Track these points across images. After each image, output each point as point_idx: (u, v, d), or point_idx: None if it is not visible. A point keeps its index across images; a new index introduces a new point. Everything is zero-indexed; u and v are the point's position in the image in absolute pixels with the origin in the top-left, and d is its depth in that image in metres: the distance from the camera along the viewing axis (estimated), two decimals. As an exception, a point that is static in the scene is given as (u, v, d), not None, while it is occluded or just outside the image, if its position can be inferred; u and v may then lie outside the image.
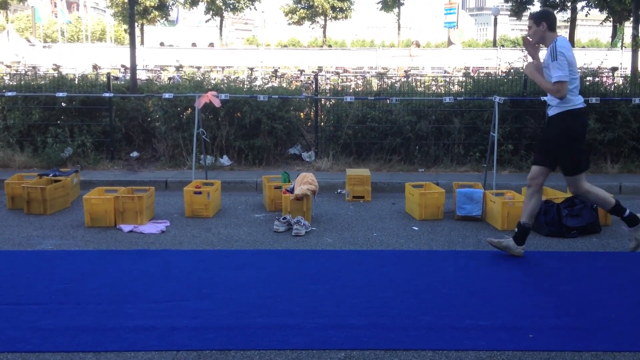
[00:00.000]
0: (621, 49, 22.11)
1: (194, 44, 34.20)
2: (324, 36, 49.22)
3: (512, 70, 10.79)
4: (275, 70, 19.43)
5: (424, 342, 4.03)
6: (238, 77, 14.10)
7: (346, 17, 47.02)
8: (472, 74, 13.73)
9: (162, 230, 6.79)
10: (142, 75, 16.84)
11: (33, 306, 4.55)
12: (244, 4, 43.89)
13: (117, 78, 15.12)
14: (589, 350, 3.95)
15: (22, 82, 11.27)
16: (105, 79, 10.99)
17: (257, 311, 4.51)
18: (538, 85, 5.75)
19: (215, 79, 12.49)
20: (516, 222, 5.95)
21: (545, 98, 6.76)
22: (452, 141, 10.22)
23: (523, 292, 4.96)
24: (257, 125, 10.16)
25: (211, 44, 34.29)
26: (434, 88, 12.29)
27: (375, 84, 12.48)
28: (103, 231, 6.77)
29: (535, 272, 5.49)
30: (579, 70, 10.82)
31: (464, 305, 4.66)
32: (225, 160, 10.19)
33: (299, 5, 46.50)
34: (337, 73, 19.58)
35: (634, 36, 12.31)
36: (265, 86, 11.66)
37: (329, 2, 44.96)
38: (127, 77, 13.21)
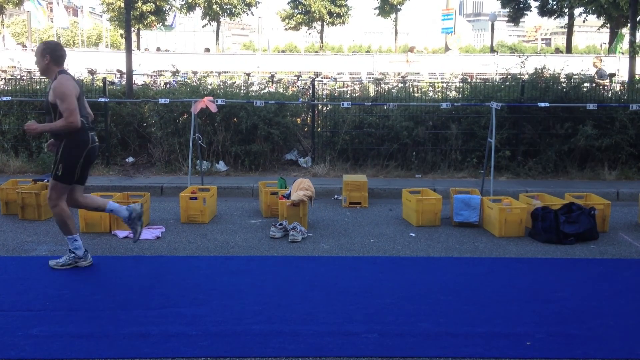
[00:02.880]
0: (617, 54, 22.14)
1: (207, 49, 34.08)
2: (321, 42, 49.25)
3: (509, 77, 10.78)
4: (272, 76, 19.41)
5: (421, 349, 4.00)
6: (235, 82, 14.05)
7: (343, 22, 47.05)
8: (469, 80, 13.71)
9: (158, 236, 6.75)
10: (138, 80, 16.81)
11: (26, 312, 4.51)
12: (241, 9, 43.98)
13: (112, 83, 15.10)
14: (587, 358, 3.93)
15: (18, 87, 11.24)
16: (101, 84, 10.96)
17: (253, 318, 4.48)
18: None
19: (211, 84, 12.46)
20: (513, 228, 5.88)
21: None
22: (449, 147, 10.20)
23: (520, 299, 4.93)
24: (253, 131, 10.13)
25: (207, 49, 34.22)
26: (431, 94, 12.27)
27: (372, 89, 12.46)
28: (98, 237, 6.73)
29: (533, 279, 5.46)
30: (577, 77, 10.84)
31: (462, 312, 4.63)
32: (221, 165, 10.16)
33: (296, 11, 46.54)
34: (335, 79, 19.55)
35: (631, 42, 12.32)
36: (262, 91, 11.64)
37: (326, 8, 44.99)
38: (123, 82, 13.17)
